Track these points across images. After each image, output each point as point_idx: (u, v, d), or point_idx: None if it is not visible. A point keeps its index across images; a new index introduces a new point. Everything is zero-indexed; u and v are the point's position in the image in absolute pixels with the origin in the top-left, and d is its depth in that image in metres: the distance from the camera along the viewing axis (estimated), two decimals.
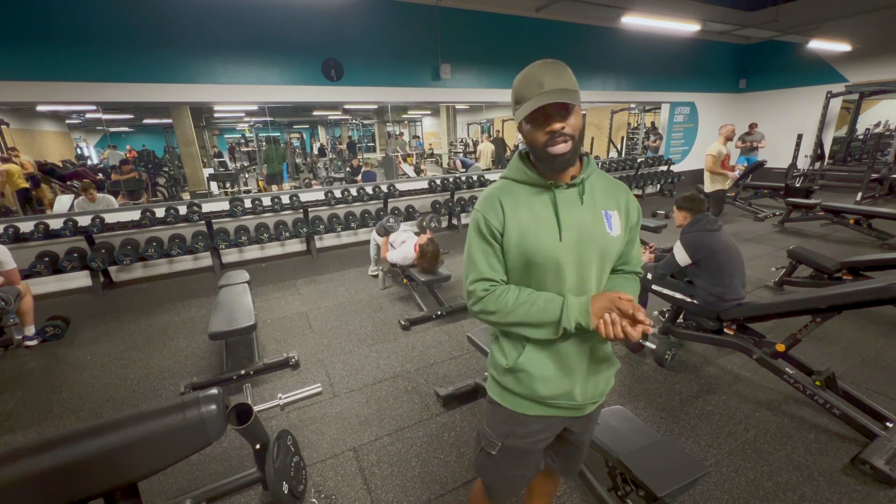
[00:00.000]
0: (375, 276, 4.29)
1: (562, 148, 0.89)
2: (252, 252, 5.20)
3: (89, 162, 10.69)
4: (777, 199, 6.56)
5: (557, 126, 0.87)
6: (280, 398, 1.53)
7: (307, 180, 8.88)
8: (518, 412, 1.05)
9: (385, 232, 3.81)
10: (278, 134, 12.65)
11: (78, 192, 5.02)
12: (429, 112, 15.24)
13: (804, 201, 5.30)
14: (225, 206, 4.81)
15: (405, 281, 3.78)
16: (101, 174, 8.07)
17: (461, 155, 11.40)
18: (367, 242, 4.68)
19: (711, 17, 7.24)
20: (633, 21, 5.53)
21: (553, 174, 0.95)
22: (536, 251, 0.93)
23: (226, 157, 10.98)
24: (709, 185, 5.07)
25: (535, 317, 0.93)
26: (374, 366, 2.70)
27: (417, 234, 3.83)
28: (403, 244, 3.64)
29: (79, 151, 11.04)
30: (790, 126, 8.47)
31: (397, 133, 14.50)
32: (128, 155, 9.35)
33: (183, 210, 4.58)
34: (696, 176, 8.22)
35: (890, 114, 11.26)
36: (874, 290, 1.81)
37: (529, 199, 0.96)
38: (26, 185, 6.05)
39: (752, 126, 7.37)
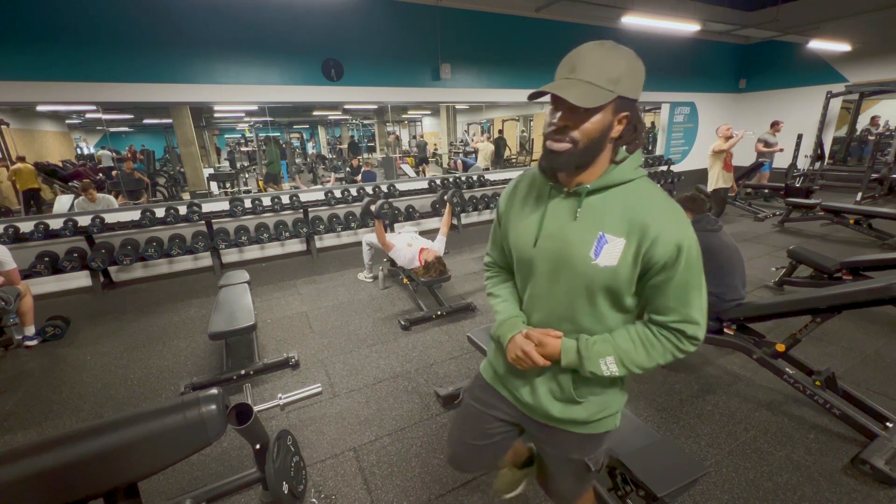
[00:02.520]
0: (371, 281, 4.21)
1: (556, 146, 0.78)
2: (252, 252, 5.19)
3: (88, 162, 10.72)
4: (777, 199, 6.55)
5: (559, 123, 0.77)
6: (280, 398, 1.53)
7: (321, 177, 8.98)
8: (482, 374, 1.12)
9: (379, 215, 3.45)
10: (278, 134, 12.66)
11: (78, 192, 5.03)
12: (429, 112, 15.24)
13: (804, 201, 5.30)
14: (225, 206, 4.81)
15: (405, 281, 3.78)
16: (101, 174, 8.10)
17: (461, 155, 11.39)
18: None
19: (711, 17, 7.23)
20: (633, 21, 5.53)
21: (554, 172, 0.86)
22: (515, 247, 0.95)
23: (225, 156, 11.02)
24: (711, 184, 5.07)
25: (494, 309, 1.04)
26: (374, 366, 2.70)
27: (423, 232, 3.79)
28: (410, 247, 3.58)
29: (79, 151, 11.06)
30: (790, 126, 8.46)
31: (392, 133, 14.47)
32: (128, 153, 9.40)
33: (183, 210, 4.58)
34: (696, 176, 8.22)
35: (890, 114, 11.24)
36: (874, 290, 1.81)
37: (535, 194, 0.92)
38: (35, 185, 6.16)
39: (778, 124, 6.77)
